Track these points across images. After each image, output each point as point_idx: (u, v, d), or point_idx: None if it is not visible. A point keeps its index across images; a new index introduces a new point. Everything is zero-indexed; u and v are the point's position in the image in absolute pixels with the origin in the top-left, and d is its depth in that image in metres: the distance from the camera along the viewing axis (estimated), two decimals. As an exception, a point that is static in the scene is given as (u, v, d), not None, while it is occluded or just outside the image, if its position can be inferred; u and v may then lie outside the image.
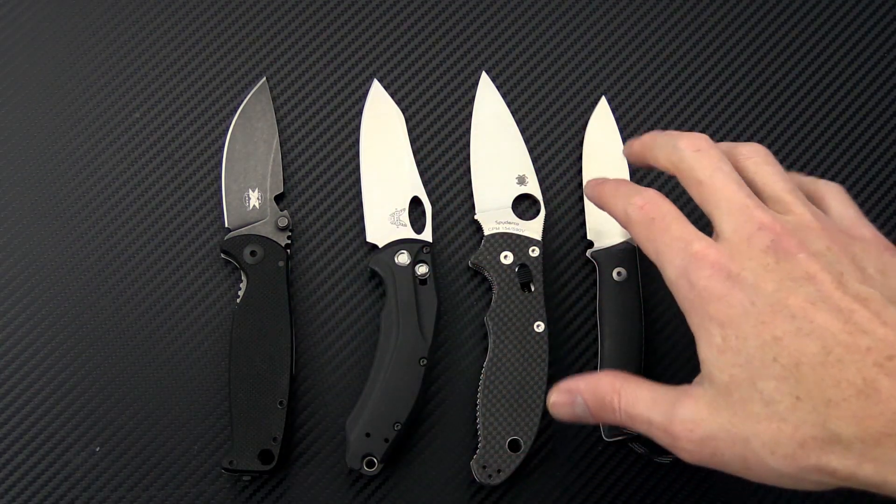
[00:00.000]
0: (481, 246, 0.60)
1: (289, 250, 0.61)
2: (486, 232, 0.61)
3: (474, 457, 0.57)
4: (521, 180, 0.62)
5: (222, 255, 0.61)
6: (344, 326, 0.61)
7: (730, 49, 0.67)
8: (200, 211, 0.63)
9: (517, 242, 0.60)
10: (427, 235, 0.61)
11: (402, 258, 0.59)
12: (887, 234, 0.64)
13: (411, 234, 0.61)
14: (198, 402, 0.59)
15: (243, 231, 0.61)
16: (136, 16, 0.66)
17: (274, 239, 0.60)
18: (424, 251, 0.60)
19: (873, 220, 0.64)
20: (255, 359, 0.58)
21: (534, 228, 0.61)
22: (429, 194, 0.62)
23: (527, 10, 0.67)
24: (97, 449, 0.58)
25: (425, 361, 0.57)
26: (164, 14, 0.66)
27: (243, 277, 0.60)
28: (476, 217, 0.62)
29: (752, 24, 0.68)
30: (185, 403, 0.59)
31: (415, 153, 0.64)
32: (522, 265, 0.59)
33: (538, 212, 0.62)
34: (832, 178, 0.65)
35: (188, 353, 0.60)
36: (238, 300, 0.59)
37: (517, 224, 0.61)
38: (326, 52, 0.66)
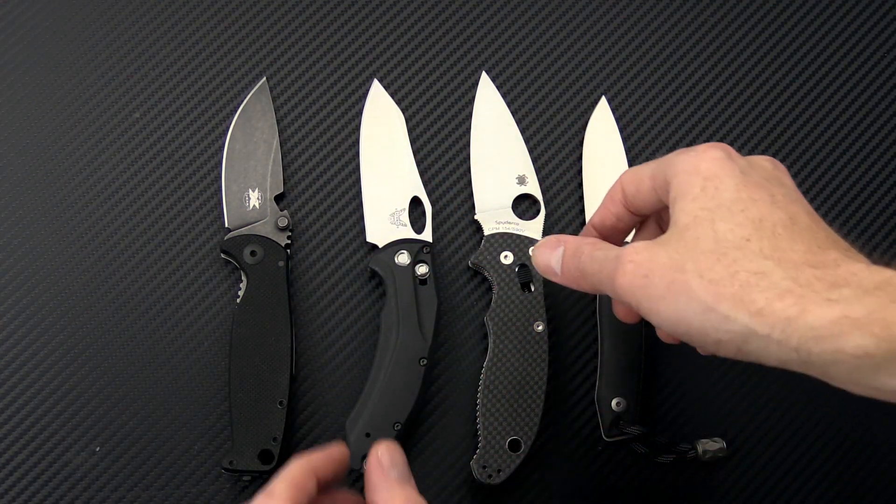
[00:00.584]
0: (481, 246, 0.60)
1: (289, 250, 0.61)
2: (487, 232, 0.61)
3: (474, 457, 0.57)
4: (522, 180, 0.62)
5: (222, 255, 0.61)
6: (344, 326, 0.61)
7: (729, 49, 0.67)
8: (200, 211, 0.63)
9: (517, 242, 0.60)
10: (427, 235, 0.61)
11: (402, 258, 0.59)
12: (887, 234, 0.64)
13: (411, 234, 0.60)
14: (198, 402, 0.59)
15: (243, 231, 0.61)
16: (135, 16, 0.66)
17: (274, 239, 0.60)
18: (424, 251, 0.59)
19: (873, 220, 0.64)
20: (255, 359, 0.58)
21: (534, 228, 0.61)
22: (429, 194, 0.62)
23: (527, 11, 0.67)
24: (97, 449, 0.58)
25: (425, 361, 0.57)
26: (164, 14, 0.66)
27: (243, 277, 0.60)
28: (476, 217, 0.62)
29: (752, 25, 0.68)
30: (185, 403, 0.59)
31: (415, 153, 0.64)
32: (522, 265, 0.59)
33: (538, 212, 0.62)
34: (833, 178, 0.65)
35: (188, 353, 0.60)
36: (238, 300, 0.59)
37: (517, 224, 0.61)
38: (326, 52, 0.66)
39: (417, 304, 0.58)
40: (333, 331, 0.61)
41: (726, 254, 0.42)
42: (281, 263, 0.60)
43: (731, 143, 0.65)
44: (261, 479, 0.58)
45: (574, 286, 0.50)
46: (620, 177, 0.51)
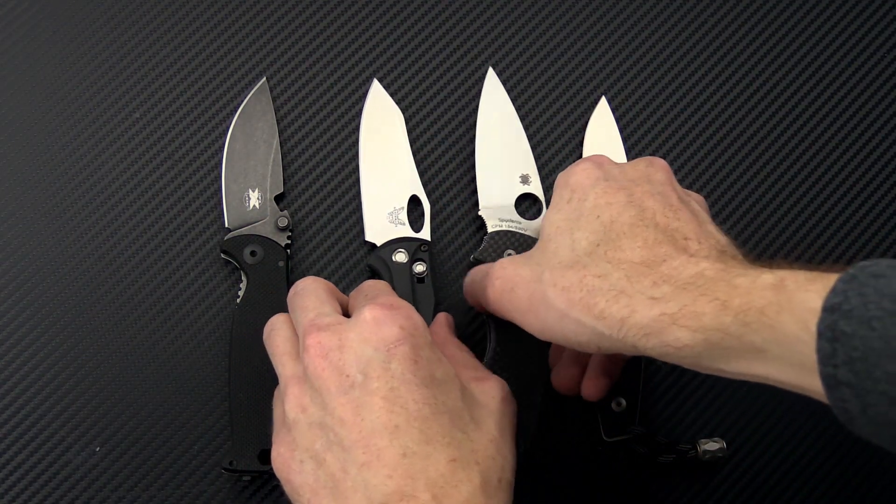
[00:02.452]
0: (484, 243, 0.60)
1: (289, 250, 0.61)
2: (490, 229, 0.61)
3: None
4: (525, 180, 0.62)
5: (222, 255, 0.61)
6: (344, 326, 0.61)
7: (730, 49, 0.67)
8: (200, 211, 0.63)
9: (520, 241, 0.60)
10: (425, 234, 0.61)
11: (400, 256, 0.59)
12: (887, 235, 0.64)
13: (409, 233, 0.60)
14: (198, 402, 0.59)
15: (243, 231, 0.61)
16: (135, 16, 0.66)
17: (274, 239, 0.60)
18: (422, 250, 0.59)
19: (873, 220, 0.64)
20: (255, 359, 0.57)
21: (535, 228, 0.61)
22: (429, 194, 0.62)
23: (527, 10, 0.67)
24: (97, 449, 0.58)
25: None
26: (164, 14, 0.66)
27: (243, 277, 0.60)
28: (480, 213, 0.61)
29: (752, 25, 0.68)
30: (185, 403, 0.59)
31: (415, 153, 0.64)
32: None
33: (540, 211, 0.61)
34: (833, 178, 0.65)
35: (188, 353, 0.60)
36: (238, 300, 0.59)
37: (520, 223, 0.61)
38: (326, 52, 0.66)
39: (415, 302, 0.58)
40: (333, 331, 0.61)
41: (578, 261, 0.45)
42: (281, 263, 0.60)
43: (730, 143, 0.65)
44: (261, 479, 0.58)
45: (478, 309, 0.54)
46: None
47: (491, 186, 0.62)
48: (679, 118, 0.66)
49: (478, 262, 0.59)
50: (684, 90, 0.66)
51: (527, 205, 0.62)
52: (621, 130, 0.65)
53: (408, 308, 0.47)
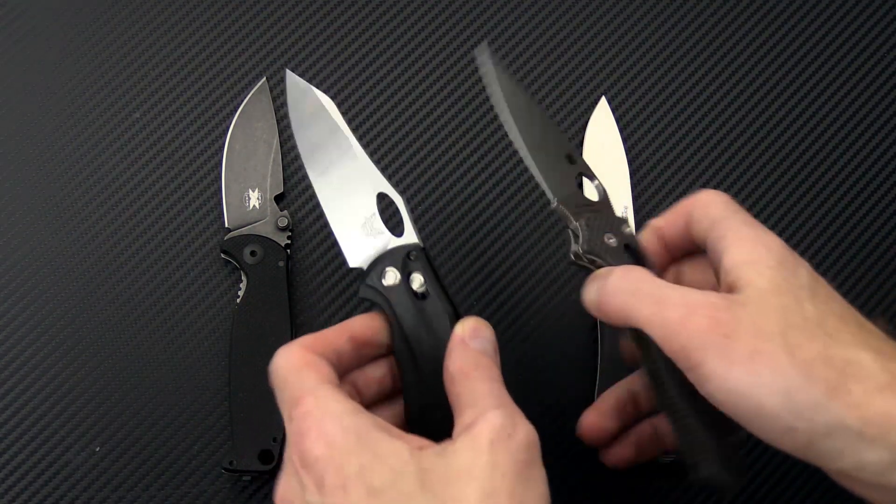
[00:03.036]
0: (583, 232, 0.49)
1: (289, 250, 0.61)
2: (576, 220, 0.49)
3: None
4: (571, 159, 0.52)
5: (222, 255, 0.61)
6: (344, 326, 0.61)
7: (730, 49, 0.67)
8: (200, 211, 0.63)
9: (608, 222, 0.50)
10: (410, 237, 0.48)
11: (390, 277, 0.47)
12: (887, 234, 0.64)
13: (393, 241, 0.48)
14: (198, 402, 0.59)
15: (243, 231, 0.61)
16: (136, 16, 0.66)
17: (274, 239, 0.60)
18: (412, 258, 0.48)
19: (873, 220, 0.64)
20: (255, 359, 0.57)
21: (609, 206, 0.51)
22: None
23: (526, 11, 0.67)
24: (97, 449, 0.58)
25: None
26: (165, 14, 0.66)
27: (243, 277, 0.60)
28: (553, 207, 0.50)
29: (752, 25, 0.68)
30: (185, 403, 0.59)
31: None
32: (627, 245, 0.49)
33: (602, 191, 0.52)
34: (833, 178, 0.65)
35: (188, 353, 0.60)
36: (238, 300, 0.59)
37: (594, 204, 0.51)
38: (327, 51, 0.66)
39: (425, 325, 0.46)
40: (333, 331, 0.61)
41: (816, 334, 0.39)
42: (281, 263, 0.60)
43: (730, 143, 0.65)
44: (261, 479, 0.58)
45: (609, 316, 0.45)
46: (696, 196, 0.47)
47: (550, 175, 0.51)
48: (679, 118, 0.66)
49: (587, 253, 0.48)
50: (684, 90, 0.66)
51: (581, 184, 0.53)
52: (621, 130, 0.65)
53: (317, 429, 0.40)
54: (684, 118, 0.66)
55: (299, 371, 0.42)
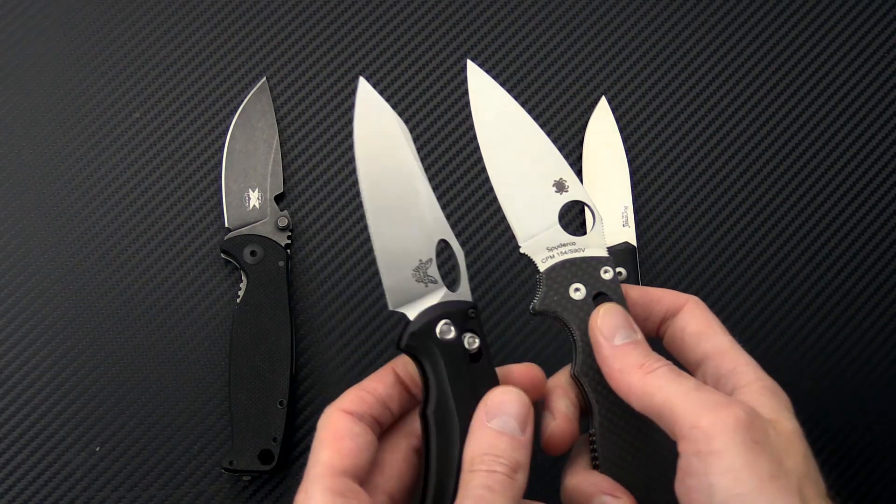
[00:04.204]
0: (542, 287, 0.46)
1: (289, 250, 0.61)
2: (542, 267, 0.46)
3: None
4: (561, 187, 0.48)
5: (222, 255, 0.61)
6: (344, 326, 0.61)
7: (730, 49, 0.67)
8: (200, 211, 0.63)
9: (583, 269, 0.46)
10: (465, 293, 0.44)
11: (446, 329, 0.43)
12: (887, 234, 0.64)
13: (449, 295, 0.44)
14: (198, 402, 0.59)
15: (243, 231, 0.61)
16: (136, 16, 0.66)
17: (274, 239, 0.60)
18: (471, 316, 0.44)
19: (874, 219, 0.64)
20: (255, 359, 0.58)
21: (596, 243, 0.47)
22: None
23: (527, 11, 0.67)
24: (97, 449, 0.58)
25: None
26: (165, 14, 0.66)
27: (243, 277, 0.60)
28: (521, 251, 0.47)
29: (752, 25, 0.68)
30: (185, 403, 0.59)
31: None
32: (599, 294, 0.46)
33: (582, 221, 0.49)
34: (833, 178, 0.65)
35: (188, 353, 0.60)
36: (238, 300, 0.59)
37: (574, 243, 0.47)
38: (327, 52, 0.66)
39: (472, 387, 0.42)
40: (333, 331, 0.61)
41: (818, 495, 0.41)
42: (281, 263, 0.60)
43: (730, 143, 0.65)
44: (261, 479, 0.58)
45: (620, 377, 0.42)
46: (686, 306, 0.46)
47: (522, 211, 0.47)
48: (679, 118, 0.66)
49: (541, 313, 0.46)
50: (684, 90, 0.66)
51: (570, 216, 0.52)
52: (621, 130, 0.65)
53: None
54: (684, 118, 0.66)
55: (322, 444, 0.41)
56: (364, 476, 0.42)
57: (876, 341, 0.62)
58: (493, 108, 0.49)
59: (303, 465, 0.58)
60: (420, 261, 0.44)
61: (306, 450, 0.59)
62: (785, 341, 0.62)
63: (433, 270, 0.44)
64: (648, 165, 0.65)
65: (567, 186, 0.48)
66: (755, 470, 0.38)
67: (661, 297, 0.46)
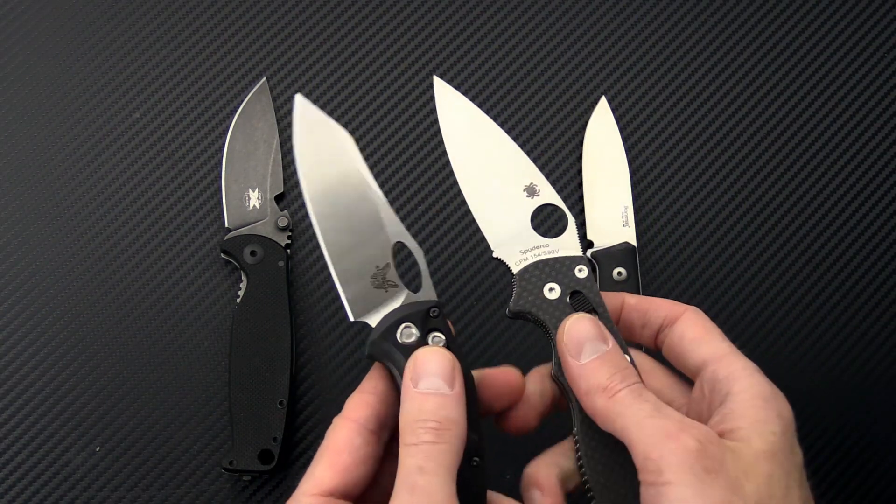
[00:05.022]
0: (516, 289, 0.46)
1: (289, 250, 0.61)
2: (515, 268, 0.47)
3: (474, 457, 0.56)
4: (532, 191, 0.49)
5: (222, 255, 0.61)
6: (344, 326, 0.61)
7: (730, 49, 0.67)
8: (200, 211, 0.63)
9: (557, 268, 0.47)
10: (428, 293, 0.44)
11: (408, 334, 0.43)
12: (887, 234, 0.64)
13: (410, 297, 0.44)
14: (198, 402, 0.59)
15: (243, 231, 0.61)
16: (136, 16, 0.66)
17: (274, 239, 0.60)
18: (433, 315, 0.43)
19: (874, 219, 0.64)
20: (255, 359, 0.58)
21: (570, 244, 0.47)
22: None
23: (527, 11, 0.67)
24: (97, 449, 0.58)
25: (478, 460, 0.43)
26: (165, 14, 0.66)
27: (243, 277, 0.60)
28: (494, 255, 0.47)
29: (752, 25, 0.68)
30: (185, 403, 0.59)
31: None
32: (575, 293, 0.46)
33: (565, 224, 0.48)
34: (833, 178, 0.65)
35: (188, 353, 0.60)
36: (238, 300, 0.59)
37: (547, 245, 0.47)
38: (326, 52, 0.66)
39: None
40: (333, 331, 0.61)
41: None
42: (281, 263, 0.60)
43: (731, 143, 0.65)
44: (261, 479, 0.58)
45: (586, 399, 0.42)
46: (685, 314, 0.46)
47: (493, 216, 0.48)
48: (679, 118, 0.66)
49: (517, 314, 0.46)
50: (684, 90, 0.66)
51: (542, 218, 0.51)
52: (621, 130, 0.65)
53: None
54: (684, 118, 0.66)
55: (321, 456, 0.42)
56: (360, 488, 0.42)
57: (876, 341, 0.62)
58: (460, 123, 0.49)
59: (303, 466, 0.58)
60: (377, 267, 0.44)
61: (306, 450, 0.59)
62: (785, 341, 0.62)
63: (392, 275, 0.44)
64: (648, 165, 0.65)
65: (538, 191, 0.49)
66: (706, 499, 0.37)
67: (659, 306, 0.46)
